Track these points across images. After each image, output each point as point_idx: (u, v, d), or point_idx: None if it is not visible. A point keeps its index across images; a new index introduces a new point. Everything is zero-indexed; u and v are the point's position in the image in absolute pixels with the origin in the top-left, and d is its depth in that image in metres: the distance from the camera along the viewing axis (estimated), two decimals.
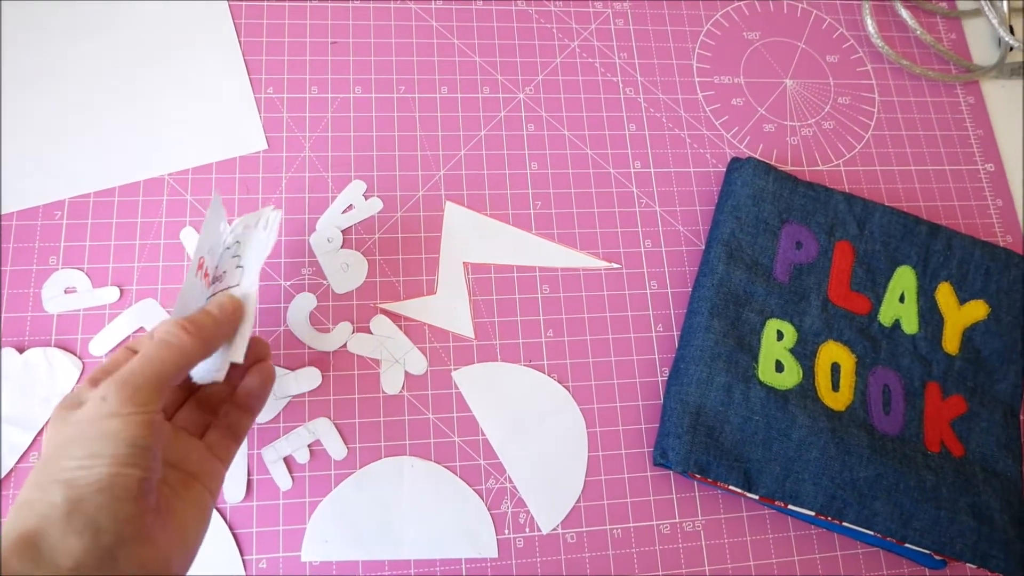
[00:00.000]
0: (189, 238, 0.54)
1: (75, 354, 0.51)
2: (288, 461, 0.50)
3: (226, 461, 0.41)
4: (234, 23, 0.60)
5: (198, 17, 0.60)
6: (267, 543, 0.48)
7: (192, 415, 0.42)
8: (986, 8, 0.66)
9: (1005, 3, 0.67)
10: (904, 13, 0.67)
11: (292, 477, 0.50)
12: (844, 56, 0.67)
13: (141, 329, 0.51)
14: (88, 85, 0.57)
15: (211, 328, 0.39)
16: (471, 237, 0.56)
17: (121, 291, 0.52)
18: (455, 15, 0.62)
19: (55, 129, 0.56)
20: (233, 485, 0.49)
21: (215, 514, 0.48)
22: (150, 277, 0.53)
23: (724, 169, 0.61)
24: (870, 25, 0.66)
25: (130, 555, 0.32)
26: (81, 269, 0.53)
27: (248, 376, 0.43)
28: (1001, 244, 0.62)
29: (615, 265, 0.57)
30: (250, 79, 0.58)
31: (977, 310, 0.56)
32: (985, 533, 0.50)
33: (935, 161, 0.64)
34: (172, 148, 0.56)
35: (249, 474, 0.49)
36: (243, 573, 0.48)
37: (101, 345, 0.51)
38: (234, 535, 0.48)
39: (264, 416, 0.50)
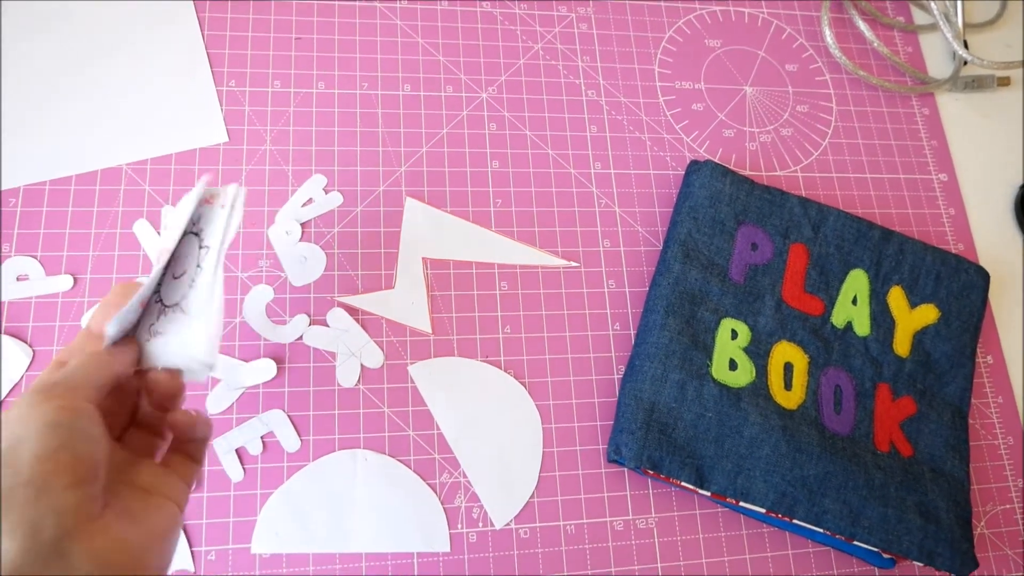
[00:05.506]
0: (143, 230, 0.53)
1: (26, 342, 0.50)
2: (240, 452, 0.50)
3: (186, 478, 0.39)
4: (198, 16, 0.60)
5: (162, 9, 0.59)
6: (217, 535, 0.48)
7: (139, 438, 0.39)
8: (942, 23, 0.67)
9: (960, 18, 0.69)
10: (862, 25, 0.68)
11: (244, 469, 0.49)
12: (803, 66, 0.68)
13: None
14: (48, 74, 0.57)
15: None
16: (431, 233, 0.56)
17: (75, 279, 0.52)
18: (420, 15, 0.63)
19: (12, 116, 0.55)
20: None
21: None
22: (105, 266, 0.52)
23: (683, 172, 0.61)
24: (828, 36, 0.67)
25: (81, 550, 0.29)
26: (35, 257, 0.52)
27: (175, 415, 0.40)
28: (953, 252, 0.63)
29: (573, 264, 0.57)
30: (212, 72, 0.58)
31: (928, 314, 0.57)
32: (932, 532, 0.51)
33: (890, 170, 0.65)
34: (131, 138, 0.56)
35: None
36: (191, 565, 0.47)
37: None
38: (183, 526, 0.48)
39: (217, 407, 0.50)
